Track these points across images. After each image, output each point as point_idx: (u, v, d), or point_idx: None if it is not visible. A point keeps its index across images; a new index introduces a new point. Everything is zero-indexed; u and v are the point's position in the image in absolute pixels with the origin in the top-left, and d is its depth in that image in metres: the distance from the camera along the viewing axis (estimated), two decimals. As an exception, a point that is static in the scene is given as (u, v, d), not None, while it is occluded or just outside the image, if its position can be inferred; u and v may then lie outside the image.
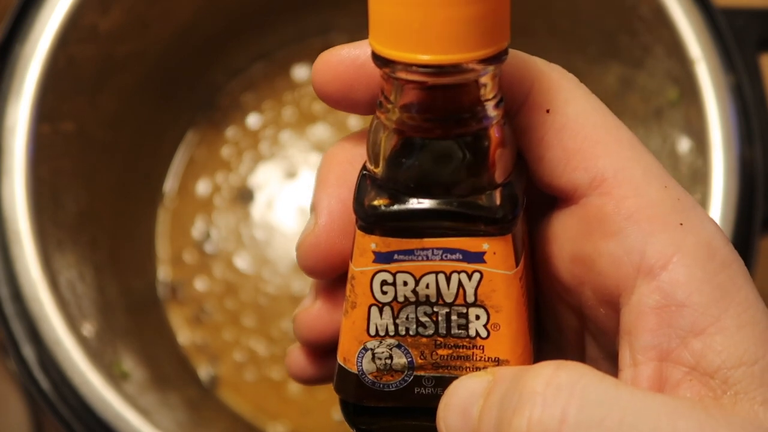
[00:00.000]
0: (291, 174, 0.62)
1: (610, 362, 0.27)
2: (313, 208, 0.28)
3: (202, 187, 0.62)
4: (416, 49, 0.22)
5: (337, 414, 0.58)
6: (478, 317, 0.25)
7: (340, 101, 0.27)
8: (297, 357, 0.31)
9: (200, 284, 0.61)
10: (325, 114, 0.63)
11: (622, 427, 0.21)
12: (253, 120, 0.64)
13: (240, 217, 0.62)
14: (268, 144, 0.63)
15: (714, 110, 0.48)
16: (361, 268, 0.25)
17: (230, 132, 0.63)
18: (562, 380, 0.22)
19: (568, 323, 0.28)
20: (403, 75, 0.23)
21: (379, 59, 0.23)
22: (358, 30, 0.65)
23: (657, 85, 0.52)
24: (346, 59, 0.26)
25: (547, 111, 0.25)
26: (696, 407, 0.22)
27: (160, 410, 0.49)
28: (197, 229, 0.62)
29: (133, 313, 0.56)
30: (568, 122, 0.25)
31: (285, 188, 0.62)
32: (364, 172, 0.26)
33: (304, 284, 0.60)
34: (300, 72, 0.64)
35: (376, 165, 0.25)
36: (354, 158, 0.27)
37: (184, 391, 0.56)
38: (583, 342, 0.28)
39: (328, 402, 0.58)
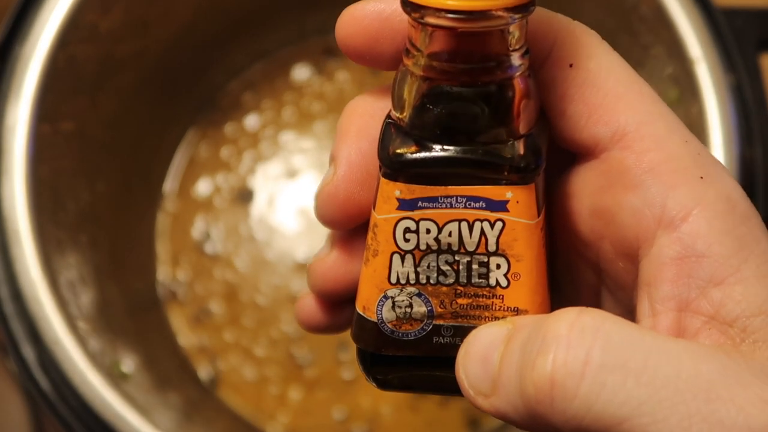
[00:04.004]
0: (291, 174, 0.62)
1: (627, 317, 0.27)
2: (333, 158, 0.28)
3: (202, 187, 0.62)
4: None
5: (337, 414, 0.58)
6: (498, 266, 0.26)
7: (364, 55, 0.27)
8: (309, 305, 0.31)
9: (200, 285, 0.61)
10: (325, 113, 0.63)
11: (646, 369, 0.22)
12: (252, 120, 0.64)
13: (240, 218, 0.62)
14: (268, 144, 0.63)
15: (714, 110, 0.48)
16: (385, 215, 0.26)
17: (230, 132, 0.63)
18: (585, 323, 0.22)
19: (584, 279, 0.28)
20: (432, 20, 0.23)
21: (408, 4, 0.24)
22: (358, 30, 0.65)
23: (657, 85, 0.52)
24: (372, 12, 0.26)
25: (570, 65, 0.26)
26: (718, 352, 0.22)
27: (160, 410, 0.49)
28: (197, 230, 0.62)
29: (134, 314, 0.56)
30: (590, 77, 0.26)
31: (285, 188, 0.62)
32: (389, 120, 0.26)
33: (304, 284, 0.60)
34: (300, 72, 0.64)
35: (402, 112, 0.25)
36: (375, 111, 0.28)
37: (184, 391, 0.56)
38: (600, 298, 0.28)
39: (328, 402, 0.58)
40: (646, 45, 0.52)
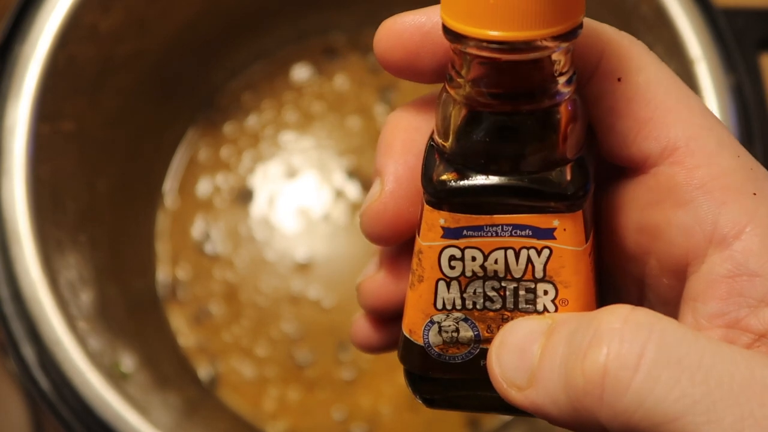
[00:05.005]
0: (291, 174, 0.62)
1: None
2: (378, 173, 0.27)
3: (202, 187, 0.62)
4: (489, 24, 0.22)
5: (337, 414, 0.58)
6: (546, 292, 0.25)
7: (404, 70, 0.26)
8: (362, 325, 0.31)
9: (200, 284, 0.61)
10: (325, 113, 0.63)
11: (701, 368, 0.21)
12: (252, 120, 0.64)
13: (240, 218, 0.62)
14: (268, 144, 0.63)
15: (714, 110, 0.48)
16: (429, 243, 0.25)
17: (230, 132, 0.63)
18: (640, 319, 0.22)
19: (628, 293, 0.28)
20: (474, 51, 0.23)
21: (450, 33, 0.23)
22: (358, 30, 0.65)
23: (657, 85, 0.52)
24: (411, 26, 0.26)
25: (618, 79, 0.25)
26: None
27: (160, 410, 0.49)
28: (197, 230, 0.62)
29: (133, 313, 0.56)
30: (639, 90, 0.25)
31: (285, 188, 0.62)
32: (432, 143, 0.25)
33: (303, 284, 0.60)
34: (300, 72, 0.64)
35: (446, 139, 0.24)
36: (420, 125, 0.27)
37: (184, 391, 0.56)
38: None
39: (328, 402, 0.58)
40: (647, 45, 0.52)
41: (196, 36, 0.59)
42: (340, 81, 0.64)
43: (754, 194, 0.24)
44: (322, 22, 0.64)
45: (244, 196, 0.62)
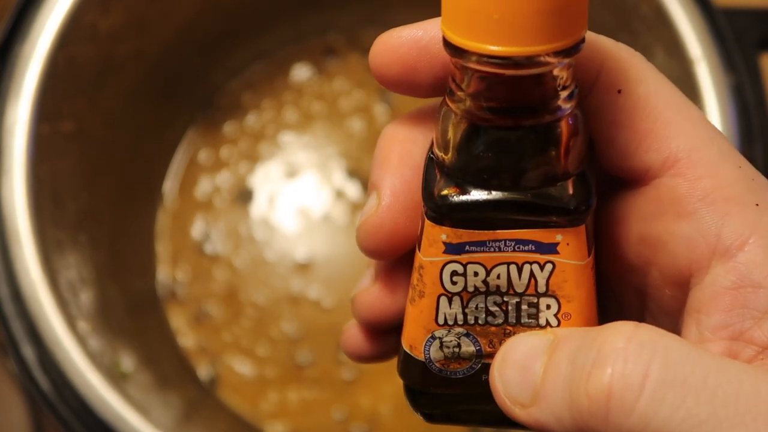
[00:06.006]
0: (291, 174, 0.62)
1: None
2: (374, 187, 0.27)
3: (202, 187, 0.62)
4: (491, 39, 0.22)
5: (337, 414, 0.58)
6: (549, 307, 0.25)
7: (400, 85, 0.26)
8: (354, 335, 0.30)
9: (200, 284, 0.61)
10: (325, 113, 0.63)
11: (706, 387, 0.21)
12: (252, 120, 0.64)
13: (240, 218, 0.62)
14: (268, 144, 0.63)
15: (714, 110, 0.48)
16: (431, 258, 0.25)
17: (230, 132, 0.63)
18: (644, 338, 0.22)
19: (628, 303, 0.27)
20: (475, 65, 0.22)
21: (451, 47, 0.23)
22: (358, 30, 0.65)
23: (657, 85, 0.52)
24: (408, 41, 0.25)
25: (619, 91, 0.25)
26: None
27: (160, 410, 0.49)
28: (197, 230, 0.62)
29: (133, 313, 0.56)
30: (639, 102, 0.25)
31: (285, 188, 0.62)
32: (431, 156, 0.25)
33: (303, 284, 0.60)
34: (300, 72, 0.64)
35: (446, 153, 0.24)
36: (416, 138, 0.27)
37: (184, 391, 0.56)
38: (643, 321, 0.27)
39: (328, 402, 0.58)
40: (646, 45, 0.52)
41: (196, 36, 0.59)
42: (340, 81, 0.64)
43: (757, 205, 0.24)
44: (322, 22, 0.64)
45: (244, 196, 0.62)
